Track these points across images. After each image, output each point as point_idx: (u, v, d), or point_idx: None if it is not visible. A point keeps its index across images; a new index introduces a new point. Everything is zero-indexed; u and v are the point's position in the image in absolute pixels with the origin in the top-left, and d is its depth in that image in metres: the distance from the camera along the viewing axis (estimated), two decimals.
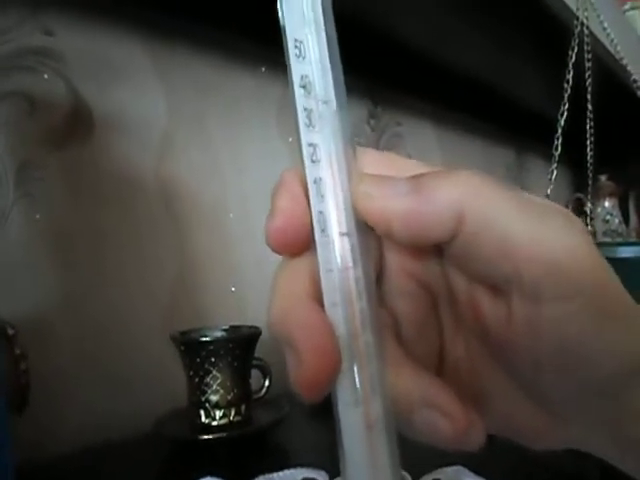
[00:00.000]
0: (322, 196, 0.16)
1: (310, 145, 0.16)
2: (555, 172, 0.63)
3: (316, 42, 0.16)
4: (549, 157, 0.69)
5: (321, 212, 0.16)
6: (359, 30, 0.67)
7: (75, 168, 0.57)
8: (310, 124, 0.16)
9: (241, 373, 0.49)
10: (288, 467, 0.41)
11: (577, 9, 0.62)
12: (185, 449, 0.46)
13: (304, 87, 0.16)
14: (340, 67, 0.16)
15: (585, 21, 0.63)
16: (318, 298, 0.16)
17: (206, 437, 0.45)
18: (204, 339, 0.47)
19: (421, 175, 0.16)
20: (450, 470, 0.40)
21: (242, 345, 0.49)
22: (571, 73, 0.62)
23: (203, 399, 0.47)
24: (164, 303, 0.62)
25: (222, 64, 0.70)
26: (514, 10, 0.64)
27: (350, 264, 0.15)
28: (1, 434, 0.31)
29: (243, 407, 0.48)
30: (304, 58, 0.16)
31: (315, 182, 0.16)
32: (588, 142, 0.72)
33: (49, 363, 0.51)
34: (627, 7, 0.99)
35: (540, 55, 0.74)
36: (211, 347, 0.47)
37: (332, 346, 0.15)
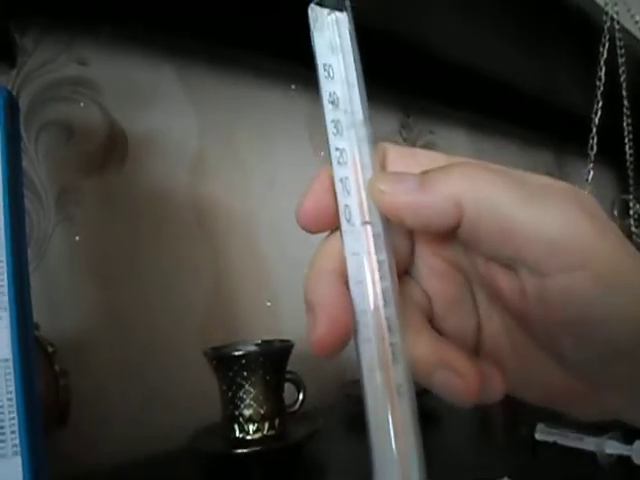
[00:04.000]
0: (348, 192, 0.18)
1: (337, 149, 0.18)
2: (592, 172, 0.61)
3: (342, 65, 0.18)
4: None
5: (347, 205, 0.18)
6: (388, 40, 0.68)
7: (112, 190, 0.59)
8: (337, 132, 0.18)
9: (274, 387, 0.49)
10: None
11: (606, 4, 0.61)
12: (220, 463, 0.47)
13: (332, 102, 0.18)
14: (363, 85, 0.19)
15: (615, 16, 0.61)
16: (345, 277, 0.18)
17: (240, 451, 0.45)
18: (235, 353, 0.48)
19: (428, 171, 0.18)
20: None
21: (274, 359, 0.49)
22: (603, 70, 0.60)
23: (237, 413, 0.48)
24: (201, 318, 0.63)
25: (251, 83, 0.72)
26: (541, 10, 0.63)
27: (372, 249, 0.18)
28: (38, 451, 0.32)
29: (277, 421, 0.48)
30: (332, 78, 0.19)
31: (341, 180, 0.18)
32: (627, 140, 0.69)
33: (90, 379, 0.52)
34: None
35: (572, 54, 0.72)
36: (243, 361, 0.47)
37: (344, 314, 0.17)
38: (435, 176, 0.18)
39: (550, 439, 0.44)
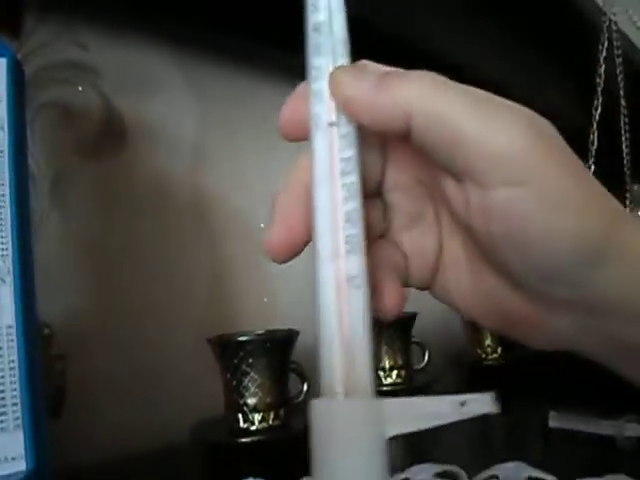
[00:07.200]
0: (320, 101, 0.18)
1: (314, 68, 0.18)
2: (592, 167, 0.61)
3: None
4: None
5: (316, 113, 0.18)
6: (395, 46, 0.68)
7: (108, 178, 0.57)
8: (317, 52, 0.18)
9: (279, 375, 0.47)
10: None
11: (603, 4, 0.62)
12: (224, 454, 0.45)
13: (316, 30, 0.19)
14: (345, 11, 0.19)
15: (612, 17, 0.63)
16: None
17: (245, 440, 0.43)
18: (241, 339, 0.46)
19: (388, 72, 0.18)
20: (508, 466, 0.37)
21: (279, 345, 0.47)
22: (602, 67, 0.61)
23: (241, 402, 0.46)
24: (196, 313, 0.61)
25: (253, 76, 0.71)
26: (539, 10, 0.64)
27: (336, 146, 0.18)
28: (41, 426, 0.30)
29: (282, 411, 0.47)
30: (317, 9, 0.19)
31: (316, 93, 0.18)
32: (624, 146, 0.70)
33: (85, 369, 0.50)
34: None
35: (568, 56, 0.73)
36: (248, 347, 0.45)
37: (297, 220, 0.19)
38: (391, 79, 0.18)
39: (565, 426, 0.43)
